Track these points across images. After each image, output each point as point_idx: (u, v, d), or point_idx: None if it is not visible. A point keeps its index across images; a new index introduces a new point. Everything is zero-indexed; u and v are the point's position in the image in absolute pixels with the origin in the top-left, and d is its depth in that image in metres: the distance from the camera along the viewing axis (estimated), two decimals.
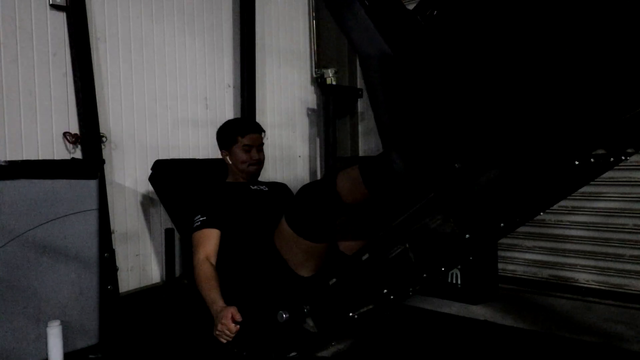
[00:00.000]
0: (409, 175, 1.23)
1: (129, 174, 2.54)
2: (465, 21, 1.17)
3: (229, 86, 3.07)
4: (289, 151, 3.44)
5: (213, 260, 1.88)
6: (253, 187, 2.15)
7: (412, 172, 1.22)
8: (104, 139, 2.39)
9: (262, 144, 2.19)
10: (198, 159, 2.66)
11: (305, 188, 1.72)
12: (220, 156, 2.26)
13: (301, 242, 1.70)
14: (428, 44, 1.17)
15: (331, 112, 3.44)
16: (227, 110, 3.05)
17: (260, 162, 2.18)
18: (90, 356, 1.94)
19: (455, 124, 1.11)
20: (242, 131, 2.14)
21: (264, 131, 2.22)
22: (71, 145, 2.29)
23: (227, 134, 2.17)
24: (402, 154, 1.23)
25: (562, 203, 2.78)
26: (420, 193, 1.21)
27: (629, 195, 2.70)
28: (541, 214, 1.55)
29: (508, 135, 1.04)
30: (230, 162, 2.16)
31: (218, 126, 2.27)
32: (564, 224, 2.91)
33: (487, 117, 1.06)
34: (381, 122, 1.25)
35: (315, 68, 3.57)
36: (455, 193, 1.14)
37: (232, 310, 1.62)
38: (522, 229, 2.76)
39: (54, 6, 2.24)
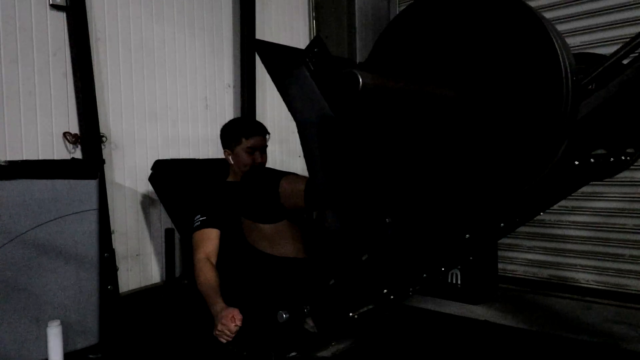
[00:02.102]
0: (343, 232, 1.31)
1: (129, 174, 2.54)
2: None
3: (229, 86, 3.07)
4: (288, 151, 3.44)
5: (213, 260, 1.88)
6: None
7: (346, 228, 1.30)
8: (104, 139, 2.39)
9: (266, 146, 2.19)
10: (198, 159, 2.66)
11: (251, 183, 2.01)
12: (220, 156, 2.26)
13: (260, 227, 1.97)
14: (366, 108, 1.22)
15: None
16: (227, 110, 3.05)
17: (263, 165, 2.18)
18: (90, 356, 1.94)
19: (385, 184, 1.20)
20: (247, 133, 2.13)
21: (269, 133, 2.21)
22: (71, 145, 2.29)
23: (231, 134, 2.17)
24: (336, 212, 1.31)
25: (562, 203, 2.78)
26: (354, 245, 1.31)
27: (629, 195, 2.70)
28: (541, 214, 1.55)
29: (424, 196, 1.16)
30: (233, 162, 2.16)
31: (218, 126, 2.26)
32: (564, 224, 2.91)
33: (408, 177, 1.17)
34: (317, 183, 1.34)
35: None
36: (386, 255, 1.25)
37: (233, 311, 1.62)
38: (522, 229, 2.77)
39: (54, 6, 2.24)
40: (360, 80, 0.83)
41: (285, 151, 3.42)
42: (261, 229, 1.98)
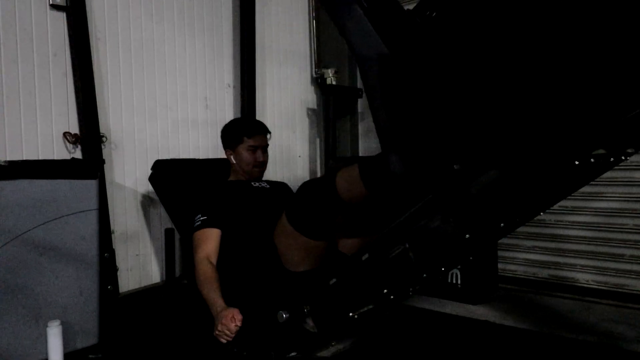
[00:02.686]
0: (407, 177, 1.23)
1: (129, 174, 2.54)
2: (464, 23, 1.18)
3: (229, 86, 3.07)
4: (289, 151, 3.44)
5: (213, 260, 1.88)
6: (255, 185, 2.15)
7: (410, 174, 1.22)
8: (104, 139, 2.39)
9: (267, 145, 2.19)
10: (198, 159, 2.66)
11: (305, 185, 1.74)
12: (220, 156, 2.26)
13: (300, 239, 1.73)
14: (426, 45, 1.18)
15: (331, 112, 3.44)
16: (227, 110, 3.05)
17: (264, 164, 2.19)
18: (90, 356, 1.93)
19: (453, 126, 1.12)
20: (248, 132, 2.13)
21: (270, 132, 2.21)
22: (71, 145, 2.29)
23: (233, 133, 2.17)
24: (400, 156, 1.24)
25: (562, 203, 2.78)
26: (419, 194, 1.21)
27: (629, 195, 2.70)
28: (541, 214, 1.55)
29: (506, 136, 1.05)
30: (234, 162, 2.16)
31: (218, 126, 2.27)
32: (564, 224, 2.91)
33: (485, 118, 1.07)
34: (380, 123, 1.26)
35: (315, 68, 3.57)
36: (454, 194, 1.14)
37: (233, 311, 1.62)
38: (522, 229, 2.76)
39: (54, 6, 2.24)
40: None
41: (285, 151, 3.42)
42: (299, 240, 1.75)
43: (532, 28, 1.03)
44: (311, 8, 3.59)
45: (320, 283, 1.51)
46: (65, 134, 2.27)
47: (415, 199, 1.23)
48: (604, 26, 0.93)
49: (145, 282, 2.62)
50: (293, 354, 1.66)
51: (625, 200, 2.71)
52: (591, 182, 2.35)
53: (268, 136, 2.20)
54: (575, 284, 2.89)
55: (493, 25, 1.10)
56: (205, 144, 2.89)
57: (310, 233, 1.71)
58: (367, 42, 1.22)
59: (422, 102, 1.16)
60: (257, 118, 3.01)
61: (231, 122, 2.28)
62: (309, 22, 3.61)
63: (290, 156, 3.46)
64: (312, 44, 3.59)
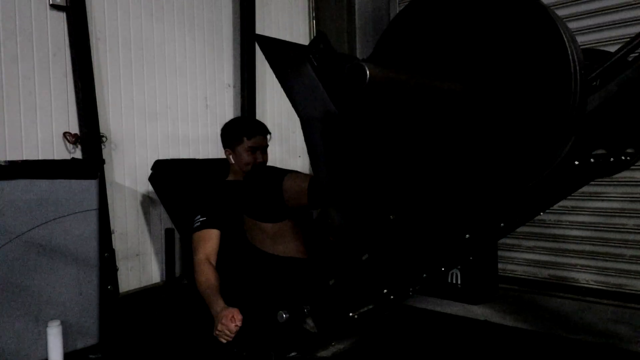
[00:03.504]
0: (347, 229, 1.30)
1: (129, 174, 2.54)
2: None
3: (229, 86, 3.07)
4: (288, 151, 3.44)
5: (213, 261, 1.88)
6: None
7: (350, 226, 1.29)
8: (104, 139, 2.39)
9: (267, 145, 2.19)
10: (198, 159, 2.66)
11: (253, 182, 2.01)
12: (220, 156, 2.26)
13: (262, 226, 1.96)
14: (370, 104, 1.21)
15: None
16: (227, 110, 3.05)
17: (264, 165, 2.18)
18: (90, 356, 1.94)
19: (389, 179, 1.18)
20: (248, 132, 2.13)
21: (270, 133, 2.21)
22: (71, 145, 2.29)
23: (232, 133, 2.16)
24: (340, 209, 1.30)
25: (562, 203, 2.78)
26: (359, 242, 1.30)
27: (629, 195, 2.70)
28: (541, 214, 1.55)
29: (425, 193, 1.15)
30: (234, 162, 2.16)
31: (218, 126, 2.26)
32: (564, 224, 2.91)
33: (411, 175, 1.16)
34: (321, 179, 1.32)
35: None
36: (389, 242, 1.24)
37: (233, 311, 1.62)
38: (522, 229, 2.76)
39: (54, 6, 2.24)
40: (368, 72, 0.80)
41: (285, 151, 3.42)
42: (263, 228, 1.97)
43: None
44: (311, 8, 3.59)
45: (320, 283, 1.51)
46: (65, 134, 2.27)
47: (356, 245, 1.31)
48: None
49: (145, 282, 2.62)
50: (293, 354, 1.66)
51: (625, 200, 2.71)
52: (591, 182, 2.36)
53: (268, 137, 2.20)
54: (576, 284, 2.89)
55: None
56: (205, 144, 2.89)
57: (264, 218, 1.96)
58: (314, 100, 1.26)
59: (362, 158, 1.23)
60: (257, 118, 3.01)
61: (231, 121, 2.27)
62: (309, 22, 3.61)
63: (290, 156, 3.46)
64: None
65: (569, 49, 0.88)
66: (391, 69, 0.92)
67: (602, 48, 2.69)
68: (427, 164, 1.11)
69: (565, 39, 0.88)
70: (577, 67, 0.88)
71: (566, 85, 0.89)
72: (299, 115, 1.32)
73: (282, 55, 1.36)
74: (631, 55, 1.05)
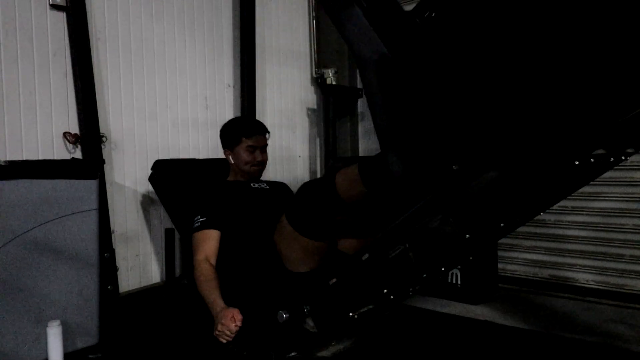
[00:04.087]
0: (407, 177, 1.23)
1: (129, 174, 2.54)
2: (463, 23, 1.17)
3: (229, 86, 3.07)
4: (289, 151, 3.44)
5: (213, 261, 1.88)
6: (254, 186, 2.15)
7: (410, 174, 1.22)
8: (104, 139, 2.39)
9: (266, 145, 2.19)
10: (198, 159, 2.66)
11: (305, 186, 1.75)
12: (220, 156, 2.26)
13: (300, 240, 1.73)
14: (426, 46, 1.18)
15: (331, 112, 3.44)
16: (227, 110, 3.05)
17: (263, 164, 2.18)
18: (90, 356, 1.94)
19: (452, 126, 1.11)
20: (247, 132, 2.13)
21: (269, 132, 2.21)
22: (71, 145, 2.29)
23: (231, 133, 2.17)
24: (399, 156, 1.23)
25: (562, 203, 2.78)
26: (419, 194, 1.21)
27: (629, 195, 2.70)
28: (541, 214, 1.55)
29: (506, 137, 1.05)
30: (233, 162, 2.16)
31: (218, 126, 2.27)
32: (564, 224, 2.91)
33: (484, 119, 1.07)
34: (379, 123, 1.26)
35: (315, 68, 3.57)
36: (454, 194, 1.14)
37: (233, 311, 1.62)
38: (522, 229, 2.76)
39: (54, 6, 2.24)
40: None
41: (285, 151, 3.42)
42: (300, 240, 1.75)
43: (531, 29, 1.02)
44: (311, 8, 3.59)
45: (320, 283, 1.51)
46: (65, 134, 2.27)
47: (415, 199, 1.23)
48: (603, 27, 0.93)
49: (145, 282, 2.62)
50: (293, 354, 1.66)
51: (625, 200, 2.71)
52: (591, 182, 2.36)
53: (267, 136, 2.20)
54: (576, 284, 2.89)
55: (491, 26, 1.10)
56: (205, 144, 2.89)
57: (310, 233, 1.71)
58: (366, 43, 1.21)
59: (422, 103, 1.16)
60: (257, 118, 3.01)
61: (229, 122, 2.27)
62: (309, 22, 3.61)
63: (290, 156, 3.46)
64: (312, 44, 3.59)
65: None
66: None
67: None
68: (495, 107, 1.01)
69: None
70: None
71: None
72: (354, 56, 1.27)
73: None
74: None
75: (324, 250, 1.80)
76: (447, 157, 1.13)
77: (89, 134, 2.30)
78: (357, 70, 3.64)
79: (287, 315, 1.52)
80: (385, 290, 1.35)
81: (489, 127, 1.07)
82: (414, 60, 1.16)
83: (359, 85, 3.69)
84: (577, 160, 1.18)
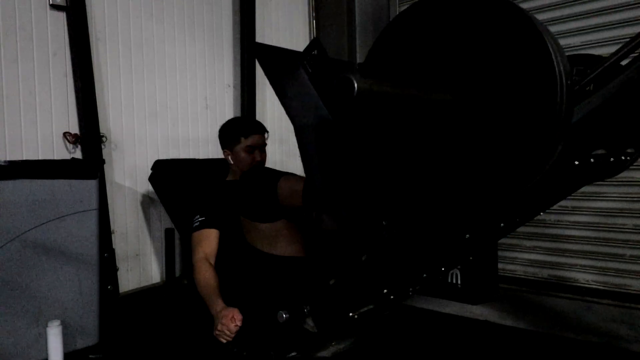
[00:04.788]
0: (340, 234, 1.32)
1: (129, 174, 2.54)
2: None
3: (229, 86, 3.07)
4: (288, 151, 3.44)
5: (212, 260, 1.88)
6: None
7: (343, 230, 1.31)
8: (104, 139, 2.39)
9: (265, 144, 2.19)
10: (198, 159, 2.66)
11: (250, 182, 2.00)
12: (220, 156, 2.26)
13: (258, 227, 1.96)
14: (361, 112, 1.22)
15: None
16: (227, 110, 3.05)
17: (262, 163, 2.18)
18: (90, 356, 1.94)
19: (382, 186, 1.20)
20: (245, 132, 2.13)
21: (267, 131, 2.21)
22: (71, 145, 2.29)
23: (230, 133, 2.17)
24: (333, 214, 1.32)
25: (562, 203, 2.78)
26: (349, 253, 1.32)
27: (629, 195, 2.70)
28: (541, 214, 1.55)
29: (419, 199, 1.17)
30: (232, 162, 2.16)
31: (218, 126, 2.26)
32: (564, 224, 2.91)
33: (404, 181, 1.18)
34: (314, 185, 1.33)
35: None
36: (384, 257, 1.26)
37: (233, 311, 1.62)
38: (522, 229, 2.76)
39: (54, 6, 2.24)
40: (356, 85, 0.83)
41: (284, 151, 3.42)
42: (259, 228, 1.97)
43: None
44: (311, 8, 3.60)
45: (320, 283, 1.51)
46: (65, 134, 2.27)
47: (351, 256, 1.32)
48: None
49: (145, 282, 2.62)
50: (293, 354, 1.66)
51: (625, 200, 2.71)
52: (591, 182, 2.35)
53: (266, 135, 2.20)
54: (576, 284, 2.89)
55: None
56: (205, 144, 2.89)
57: (259, 218, 1.96)
58: (308, 107, 1.27)
59: (355, 164, 1.25)
60: (257, 118, 3.01)
61: (228, 122, 2.27)
62: (309, 22, 3.61)
63: (290, 157, 3.46)
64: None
65: (554, 59, 0.90)
66: (380, 81, 0.94)
67: (602, 48, 2.70)
68: (420, 169, 1.13)
69: (550, 49, 0.90)
70: (563, 77, 0.90)
71: (551, 95, 0.91)
72: (292, 123, 1.33)
73: (276, 61, 1.38)
74: (625, 58, 1.06)
75: (290, 229, 1.97)
76: (378, 214, 1.23)
77: (89, 134, 2.30)
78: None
79: (287, 315, 1.51)
80: (385, 290, 1.35)
81: (410, 187, 1.18)
82: (351, 124, 1.23)
83: None
84: (577, 160, 1.19)
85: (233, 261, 1.95)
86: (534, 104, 0.93)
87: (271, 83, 1.34)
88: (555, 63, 0.90)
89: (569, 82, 0.92)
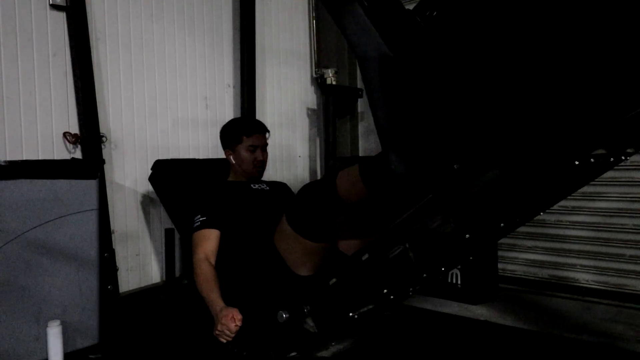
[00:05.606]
0: (408, 176, 1.23)
1: (129, 174, 2.54)
2: (464, 22, 1.17)
3: (229, 86, 3.07)
4: (289, 151, 3.44)
5: (212, 261, 1.88)
6: (254, 186, 2.15)
7: (411, 173, 1.22)
8: (104, 139, 2.39)
9: (267, 144, 2.19)
10: (198, 159, 2.66)
11: (306, 187, 1.74)
12: (220, 156, 2.26)
13: (301, 241, 1.72)
14: (427, 44, 1.18)
15: (331, 112, 3.44)
16: (227, 110, 3.05)
17: (264, 163, 2.18)
18: (90, 356, 1.94)
19: (453, 125, 1.11)
20: (247, 131, 2.13)
21: (269, 131, 2.21)
22: (71, 145, 2.29)
23: (231, 133, 2.17)
24: (400, 155, 1.23)
25: (562, 203, 2.78)
26: (419, 193, 1.21)
27: (629, 195, 2.70)
28: (541, 214, 1.55)
29: (506, 136, 1.05)
30: (234, 162, 2.16)
31: (218, 126, 2.27)
32: (564, 224, 2.91)
33: (485, 118, 1.07)
34: (380, 122, 1.25)
35: (315, 68, 3.57)
36: (455, 194, 1.14)
37: (233, 311, 1.62)
38: (522, 229, 2.76)
39: (54, 6, 2.24)
40: None
41: (285, 151, 3.42)
42: (299, 240, 1.74)
43: (532, 28, 1.03)
44: (311, 8, 3.60)
45: (320, 283, 1.51)
46: (65, 134, 2.27)
47: (416, 198, 1.23)
48: (603, 26, 0.93)
49: (145, 282, 2.62)
50: (293, 354, 1.65)
51: (625, 200, 2.71)
52: (591, 182, 2.36)
53: (267, 135, 2.20)
54: (575, 284, 2.89)
55: (492, 25, 1.10)
56: (205, 144, 2.89)
57: (311, 235, 1.69)
58: (368, 41, 1.20)
59: (423, 102, 1.16)
60: (257, 118, 3.01)
61: (230, 122, 2.28)
62: (309, 22, 3.61)
63: (290, 156, 3.46)
64: (312, 44, 3.59)
65: None
66: None
67: None
68: (499, 103, 1.02)
69: None
70: None
71: None
72: (354, 53, 1.25)
73: None
74: None
75: (325, 251, 1.79)
76: (448, 157, 1.13)
77: (89, 134, 2.30)
78: (357, 70, 3.64)
79: (287, 315, 1.52)
80: (385, 290, 1.35)
81: (489, 126, 1.08)
82: (416, 59, 1.15)
83: (359, 85, 3.69)
84: (577, 160, 1.18)
85: (233, 261, 1.95)
86: None
87: (331, 15, 1.27)
88: None
89: None
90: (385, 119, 1.22)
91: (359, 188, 1.55)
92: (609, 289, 2.78)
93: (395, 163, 1.24)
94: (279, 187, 2.26)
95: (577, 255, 2.88)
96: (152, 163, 2.33)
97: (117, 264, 2.41)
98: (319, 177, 3.60)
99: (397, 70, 1.17)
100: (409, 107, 1.19)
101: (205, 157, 2.77)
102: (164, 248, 2.53)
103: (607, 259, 2.78)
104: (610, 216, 2.76)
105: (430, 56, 1.15)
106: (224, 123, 2.27)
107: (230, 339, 1.62)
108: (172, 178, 2.32)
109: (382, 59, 1.18)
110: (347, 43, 1.26)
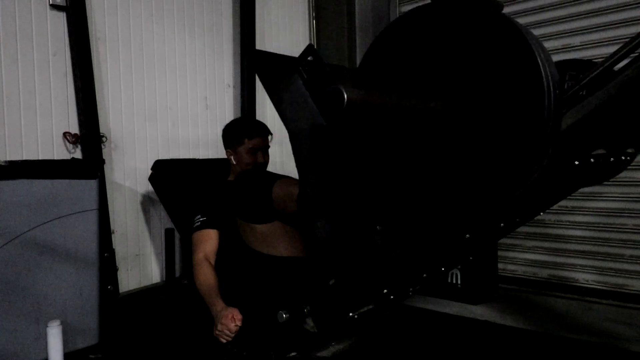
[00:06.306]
0: (333, 240, 1.32)
1: (129, 174, 2.54)
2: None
3: (229, 86, 3.07)
4: (288, 151, 3.44)
5: (212, 261, 1.89)
6: None
7: (337, 237, 1.31)
8: (104, 139, 2.39)
9: (269, 146, 2.19)
10: (198, 159, 2.66)
11: (245, 184, 1.96)
12: (220, 156, 2.26)
13: (252, 227, 1.92)
14: (354, 120, 1.24)
15: None
16: (227, 110, 3.05)
17: (265, 165, 2.18)
18: (90, 356, 1.94)
19: (375, 192, 1.21)
20: (249, 133, 2.13)
21: (271, 134, 2.21)
22: (71, 145, 2.29)
23: (233, 134, 2.17)
24: (327, 220, 1.32)
25: (562, 203, 2.78)
26: (343, 259, 1.32)
27: (629, 195, 2.70)
28: (541, 214, 1.55)
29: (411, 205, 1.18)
30: (235, 162, 2.16)
31: (218, 126, 2.27)
32: (564, 224, 2.91)
33: (393, 191, 1.20)
34: (308, 192, 1.34)
35: None
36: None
37: (233, 311, 1.62)
38: (522, 229, 2.77)
39: (54, 6, 2.24)
40: (345, 96, 0.84)
41: (285, 152, 3.42)
42: (255, 229, 1.94)
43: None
44: (311, 8, 3.60)
45: (320, 283, 1.51)
46: (65, 134, 2.27)
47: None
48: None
49: (145, 282, 2.62)
50: (293, 354, 1.66)
51: (625, 200, 2.72)
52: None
53: (269, 137, 2.20)
54: (575, 284, 2.89)
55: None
56: (205, 144, 2.89)
57: (252, 219, 1.92)
58: (302, 114, 1.29)
59: (349, 171, 1.26)
60: (257, 118, 3.01)
61: (232, 122, 2.28)
62: (309, 22, 3.61)
63: (291, 156, 3.46)
64: (312, 44, 3.59)
65: (542, 69, 0.93)
66: (370, 91, 0.95)
67: (602, 48, 2.70)
68: (412, 175, 1.14)
69: (538, 59, 0.93)
70: (550, 86, 0.93)
71: (539, 104, 0.93)
72: (287, 128, 1.34)
73: (272, 68, 1.39)
74: (619, 63, 1.07)
75: (282, 232, 1.92)
76: (372, 219, 1.24)
77: (89, 134, 2.30)
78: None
79: (287, 315, 1.52)
80: (385, 290, 1.35)
81: (399, 196, 1.20)
82: (346, 130, 1.23)
83: None
84: (577, 160, 1.19)
85: (233, 261, 1.95)
86: (522, 112, 0.96)
87: (266, 89, 1.36)
88: (543, 72, 0.93)
89: (557, 91, 0.95)
90: (313, 186, 1.31)
91: (291, 204, 1.72)
92: (609, 289, 2.78)
93: (320, 229, 1.33)
94: None
95: (577, 255, 2.88)
96: (152, 163, 2.34)
97: (117, 264, 2.41)
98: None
99: (328, 139, 1.26)
100: (336, 174, 1.29)
101: (205, 157, 2.77)
102: (164, 248, 2.54)
103: (607, 259, 2.79)
104: (610, 216, 2.76)
105: (356, 128, 1.23)
106: (224, 123, 2.27)
107: (230, 339, 1.63)
108: (172, 178, 2.32)
109: (314, 130, 1.27)
110: (280, 117, 1.37)
